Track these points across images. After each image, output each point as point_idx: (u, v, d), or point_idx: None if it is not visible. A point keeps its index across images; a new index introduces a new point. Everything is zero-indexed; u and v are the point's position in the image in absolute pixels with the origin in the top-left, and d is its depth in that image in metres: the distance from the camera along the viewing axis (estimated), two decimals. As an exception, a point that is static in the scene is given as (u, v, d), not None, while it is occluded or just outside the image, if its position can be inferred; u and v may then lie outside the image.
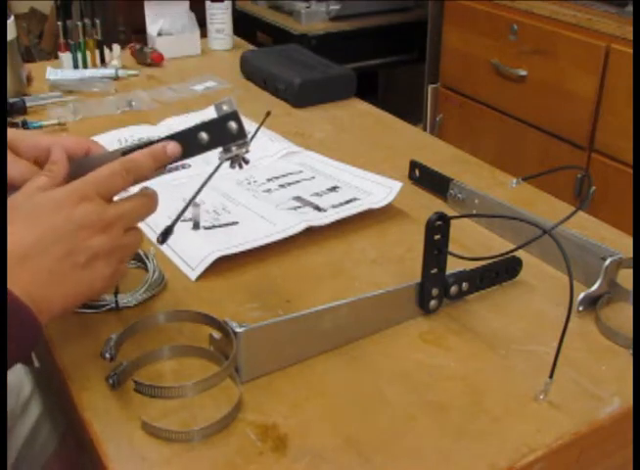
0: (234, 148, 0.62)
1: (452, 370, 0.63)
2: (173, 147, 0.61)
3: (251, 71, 1.36)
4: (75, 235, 0.56)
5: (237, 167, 0.64)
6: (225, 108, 0.61)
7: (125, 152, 0.62)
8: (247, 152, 0.63)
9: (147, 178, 0.62)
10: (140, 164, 0.60)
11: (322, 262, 0.79)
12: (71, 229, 0.56)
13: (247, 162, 0.64)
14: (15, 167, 0.63)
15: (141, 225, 0.85)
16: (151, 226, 0.84)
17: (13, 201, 0.57)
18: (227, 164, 1.05)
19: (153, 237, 0.82)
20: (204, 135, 0.61)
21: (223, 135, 0.62)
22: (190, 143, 0.62)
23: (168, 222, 0.84)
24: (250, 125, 1.12)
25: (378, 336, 0.67)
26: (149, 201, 0.61)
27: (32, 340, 0.54)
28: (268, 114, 0.67)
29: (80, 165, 0.62)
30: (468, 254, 0.69)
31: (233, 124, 0.61)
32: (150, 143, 0.62)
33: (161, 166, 0.62)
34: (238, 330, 0.59)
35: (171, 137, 0.62)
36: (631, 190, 1.58)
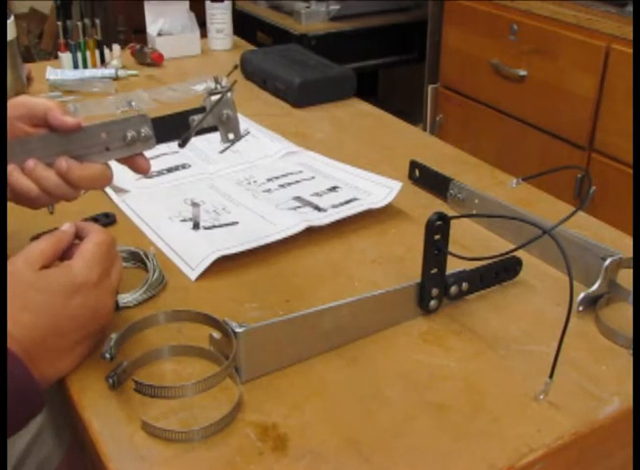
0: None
1: (452, 370, 0.63)
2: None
3: (251, 71, 1.36)
4: (92, 318, 0.60)
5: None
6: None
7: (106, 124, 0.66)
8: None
9: None
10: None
11: (322, 262, 0.79)
12: (88, 315, 0.60)
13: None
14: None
15: (141, 225, 0.85)
16: (151, 227, 0.84)
17: (18, 273, 0.58)
18: (227, 163, 1.04)
19: (153, 237, 0.82)
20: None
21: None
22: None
23: (168, 223, 0.85)
24: (248, 124, 1.12)
25: (378, 336, 0.67)
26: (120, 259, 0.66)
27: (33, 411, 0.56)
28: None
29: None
30: (468, 254, 0.69)
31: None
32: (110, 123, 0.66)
33: None
34: (238, 330, 0.59)
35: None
36: (631, 190, 1.57)
